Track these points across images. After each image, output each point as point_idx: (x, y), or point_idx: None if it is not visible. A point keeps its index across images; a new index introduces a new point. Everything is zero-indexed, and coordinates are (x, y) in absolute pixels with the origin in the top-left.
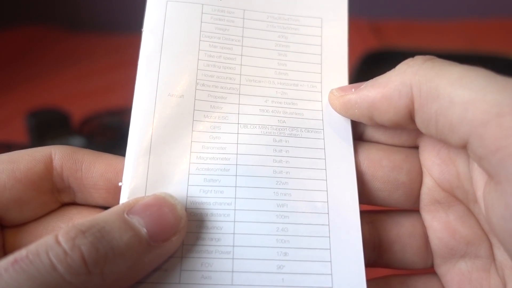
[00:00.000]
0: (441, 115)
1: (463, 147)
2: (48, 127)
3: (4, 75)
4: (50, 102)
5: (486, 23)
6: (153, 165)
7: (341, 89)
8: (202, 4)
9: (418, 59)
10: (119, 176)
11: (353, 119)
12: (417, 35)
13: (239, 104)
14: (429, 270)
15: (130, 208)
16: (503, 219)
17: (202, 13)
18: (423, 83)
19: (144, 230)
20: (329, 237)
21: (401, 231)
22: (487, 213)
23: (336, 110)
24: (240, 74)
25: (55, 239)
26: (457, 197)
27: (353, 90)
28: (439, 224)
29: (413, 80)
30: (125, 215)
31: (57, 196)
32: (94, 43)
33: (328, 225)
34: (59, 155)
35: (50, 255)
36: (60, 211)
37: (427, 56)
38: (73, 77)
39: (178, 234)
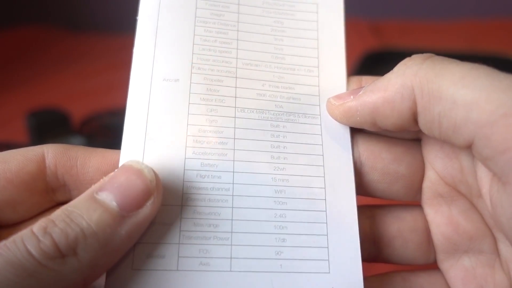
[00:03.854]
0: (445, 117)
1: (468, 148)
2: (48, 127)
3: (4, 75)
4: (50, 102)
5: (486, 23)
6: (149, 150)
7: (339, 97)
8: None
9: (416, 59)
10: (115, 168)
11: (355, 127)
12: (417, 35)
13: (236, 87)
14: (431, 266)
15: (100, 187)
16: None
17: None
18: (425, 84)
19: (113, 204)
20: (326, 223)
21: (402, 226)
22: (495, 212)
23: (336, 119)
24: (237, 58)
25: (30, 230)
26: (460, 192)
27: (351, 97)
28: (442, 219)
29: (414, 82)
30: (95, 195)
31: (52, 195)
32: (94, 43)
33: (325, 211)
34: (52, 154)
35: (25, 242)
36: (55, 210)
37: (426, 55)
38: (73, 77)
39: (152, 197)
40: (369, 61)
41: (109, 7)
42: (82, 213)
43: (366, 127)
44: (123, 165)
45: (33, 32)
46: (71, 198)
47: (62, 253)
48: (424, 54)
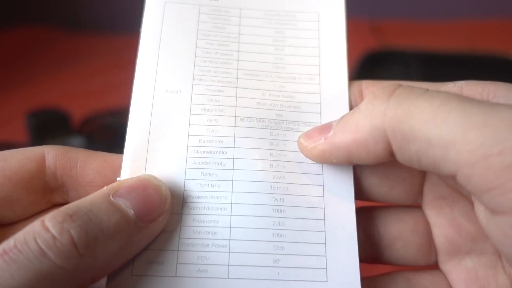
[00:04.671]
0: (422, 155)
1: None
2: (48, 127)
3: (4, 75)
4: (50, 102)
5: (486, 23)
6: (151, 160)
7: (308, 136)
8: (199, 5)
9: (381, 96)
10: (116, 172)
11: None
12: (417, 35)
13: (236, 96)
14: (432, 267)
15: (115, 191)
16: (503, 246)
17: (199, 13)
18: (395, 125)
19: (131, 212)
20: (325, 231)
21: (403, 228)
22: (487, 232)
23: (312, 160)
24: (237, 69)
25: (41, 224)
26: (462, 193)
27: (322, 138)
28: (444, 220)
29: (385, 123)
30: (111, 198)
31: (49, 196)
32: (94, 43)
33: (324, 219)
34: (52, 154)
35: (39, 241)
36: (51, 210)
37: (390, 87)
38: (73, 77)
39: (165, 214)
40: (369, 61)
41: (109, 7)
42: (101, 212)
43: (344, 164)
44: (139, 178)
45: (33, 32)
46: (69, 200)
47: (80, 253)
48: (388, 87)
